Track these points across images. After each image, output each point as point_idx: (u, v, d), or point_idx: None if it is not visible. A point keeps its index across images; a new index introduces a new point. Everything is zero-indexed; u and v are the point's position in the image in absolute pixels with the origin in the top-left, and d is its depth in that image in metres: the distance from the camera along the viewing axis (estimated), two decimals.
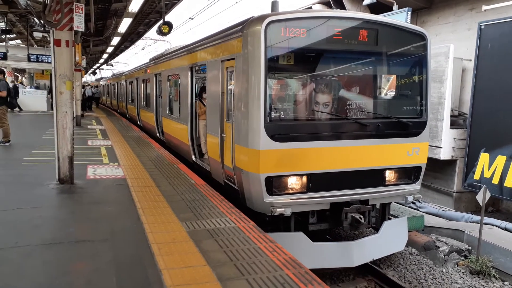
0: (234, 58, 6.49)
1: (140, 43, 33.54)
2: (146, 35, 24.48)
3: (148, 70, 15.80)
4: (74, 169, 7.14)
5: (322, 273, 6.86)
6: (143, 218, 5.28)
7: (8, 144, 11.08)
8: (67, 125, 6.91)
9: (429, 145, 8.14)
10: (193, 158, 9.34)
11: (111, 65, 50.47)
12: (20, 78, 43.91)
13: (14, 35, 24.67)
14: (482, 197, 7.57)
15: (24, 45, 25.68)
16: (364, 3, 14.59)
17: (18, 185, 6.97)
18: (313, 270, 3.92)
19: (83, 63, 22.07)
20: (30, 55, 21.88)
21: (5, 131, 11.10)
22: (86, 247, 4.38)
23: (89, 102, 29.29)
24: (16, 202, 5.96)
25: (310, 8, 18.37)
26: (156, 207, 5.78)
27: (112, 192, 6.67)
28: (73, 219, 5.41)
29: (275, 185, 5.99)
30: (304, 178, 6.14)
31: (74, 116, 8.01)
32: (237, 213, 5.64)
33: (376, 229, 7.19)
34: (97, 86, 38.23)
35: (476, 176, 10.31)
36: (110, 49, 30.07)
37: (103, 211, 5.66)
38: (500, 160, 9.66)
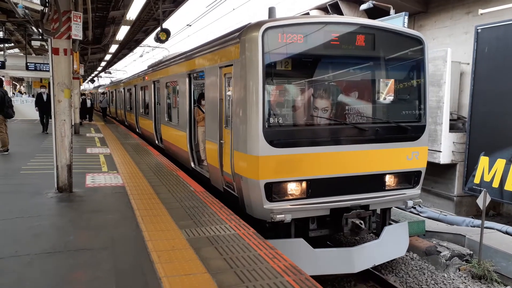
0: (232, 65, 6.50)
1: (138, 50, 33.63)
2: (144, 42, 24.50)
3: (146, 77, 15.81)
4: (73, 177, 7.12)
5: (323, 280, 6.83)
6: (142, 226, 5.26)
7: (7, 153, 11.05)
8: (66, 133, 6.89)
9: (429, 149, 8.15)
10: (192, 165, 9.31)
11: (109, 72, 50.53)
12: (18, 87, 43.94)
13: (12, 44, 24.69)
14: (483, 201, 7.56)
15: (22, 54, 25.67)
16: (361, 8, 14.66)
17: (17, 194, 6.94)
18: (314, 277, 3.89)
19: (81, 71, 22.07)
20: (28, 64, 21.87)
21: (2, 140, 11.07)
22: (86, 255, 4.35)
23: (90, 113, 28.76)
24: (15, 211, 5.93)
25: (308, 13, 18.44)
26: (155, 214, 5.75)
27: (111, 200, 6.65)
28: (72, 227, 5.38)
29: (274, 191, 5.97)
30: (304, 184, 6.12)
31: (73, 124, 7.99)
32: (236, 220, 5.61)
33: (377, 235, 7.16)
34: (103, 93, 34.49)
35: (476, 180, 10.30)
36: (108, 57, 30.05)
37: (102, 219, 5.63)
38: (500, 163, 9.66)
